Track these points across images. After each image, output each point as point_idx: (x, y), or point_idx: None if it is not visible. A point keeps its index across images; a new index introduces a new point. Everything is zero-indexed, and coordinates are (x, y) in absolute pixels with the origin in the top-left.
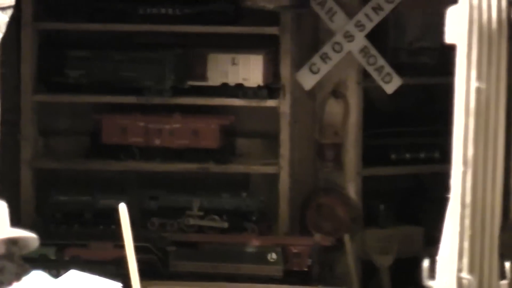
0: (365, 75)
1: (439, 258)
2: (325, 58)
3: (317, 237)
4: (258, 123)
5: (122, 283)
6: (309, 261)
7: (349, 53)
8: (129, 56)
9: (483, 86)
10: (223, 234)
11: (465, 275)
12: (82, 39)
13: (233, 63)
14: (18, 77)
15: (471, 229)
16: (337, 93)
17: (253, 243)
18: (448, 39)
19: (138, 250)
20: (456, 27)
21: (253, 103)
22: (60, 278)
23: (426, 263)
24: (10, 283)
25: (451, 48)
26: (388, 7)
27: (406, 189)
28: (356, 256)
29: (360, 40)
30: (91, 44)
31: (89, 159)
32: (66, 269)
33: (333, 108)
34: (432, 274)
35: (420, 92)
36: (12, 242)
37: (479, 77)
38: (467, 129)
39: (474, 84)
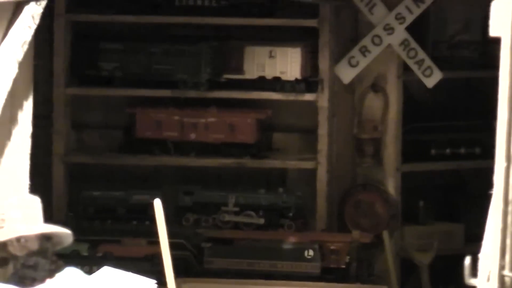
0: (405, 68)
1: (481, 255)
2: (364, 51)
3: (355, 233)
4: (295, 117)
5: (156, 280)
6: (347, 258)
7: (389, 46)
8: (163, 49)
9: None
10: (259, 231)
11: (507, 272)
12: (116, 31)
13: (271, 56)
14: (51, 69)
15: None
16: (377, 87)
17: (290, 240)
18: (493, 32)
19: (172, 246)
20: (501, 20)
21: (291, 97)
22: (93, 274)
23: (467, 260)
24: (43, 280)
25: (493, 42)
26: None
27: (446, 185)
28: (395, 253)
29: (400, 32)
30: (125, 37)
31: (123, 153)
32: (99, 265)
33: (373, 102)
34: (473, 272)
35: (461, 86)
36: (46, 238)
37: None
38: (511, 124)
39: None
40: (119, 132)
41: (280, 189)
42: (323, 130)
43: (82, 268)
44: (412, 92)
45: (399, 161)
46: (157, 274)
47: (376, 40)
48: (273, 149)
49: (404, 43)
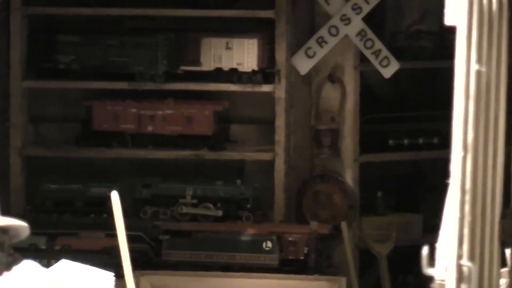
0: (362, 59)
1: (438, 245)
2: (321, 42)
3: (314, 225)
4: (253, 109)
5: (114, 272)
6: (305, 250)
7: (346, 36)
8: (120, 41)
9: (484, 69)
10: (217, 223)
11: (465, 262)
12: (73, 24)
13: (227, 47)
14: (8, 62)
15: (471, 216)
16: (334, 77)
17: (248, 232)
18: (448, 21)
19: (130, 239)
20: (456, 9)
21: (248, 88)
22: (51, 268)
23: (425, 250)
24: (0, 273)
25: (450, 32)
26: None
27: (404, 176)
28: (353, 244)
29: (357, 23)
30: (81, 29)
31: (80, 146)
32: (57, 259)
33: (330, 93)
34: (431, 262)
35: (418, 76)
36: (2, 231)
37: (479, 60)
38: (467, 113)
39: (474, 67)
40: (76, 125)
41: (238, 181)
42: (280, 121)
43: (40, 262)
44: (369, 82)
45: (357, 152)
46: (115, 266)
47: (333, 30)
48: (231, 141)
49: (361, 34)
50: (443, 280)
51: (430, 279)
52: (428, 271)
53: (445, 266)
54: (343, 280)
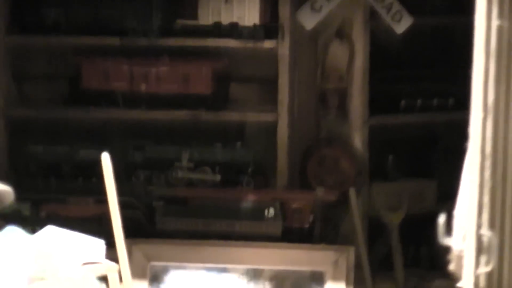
0: (372, 13)
1: (455, 213)
2: None
3: (320, 191)
4: (254, 67)
5: (104, 241)
6: (310, 218)
7: None
8: None
9: (506, 24)
10: (215, 188)
11: (485, 231)
12: None
13: (227, 0)
14: None
15: (491, 182)
16: (342, 33)
17: (249, 198)
18: None
19: (122, 205)
20: None
21: (249, 44)
22: (36, 234)
23: (441, 219)
24: None
25: None
26: None
27: (417, 139)
28: (362, 212)
29: None
30: None
31: (68, 106)
32: (42, 226)
33: (337, 50)
34: (448, 231)
35: (432, 32)
36: None
37: (501, 14)
38: (488, 72)
39: (495, 22)
40: (64, 84)
41: (238, 144)
42: (283, 80)
43: (24, 229)
44: (380, 39)
45: (366, 113)
46: (106, 235)
47: None
48: (230, 101)
49: None
50: (461, 251)
51: (446, 250)
52: (445, 241)
53: (463, 236)
54: (351, 250)
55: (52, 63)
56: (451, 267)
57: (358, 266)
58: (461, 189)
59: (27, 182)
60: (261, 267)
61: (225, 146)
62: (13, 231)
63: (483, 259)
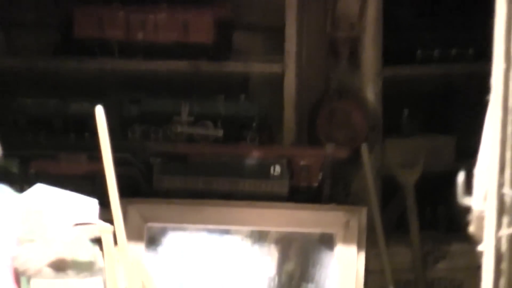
0: None
1: (476, 172)
2: None
3: (329, 147)
4: (259, 14)
5: (98, 200)
6: (319, 176)
7: None
8: None
9: None
10: (217, 144)
11: (507, 190)
12: None
13: None
14: None
15: None
16: None
17: (253, 155)
18: None
19: (116, 162)
20: None
21: None
22: (25, 192)
23: (461, 177)
24: None
25: None
26: None
27: (434, 92)
28: (375, 170)
29: None
30: None
31: (59, 56)
32: (31, 184)
33: None
34: (467, 190)
35: None
36: None
37: None
38: (511, 19)
39: None
40: (54, 32)
41: (242, 97)
42: (291, 29)
43: (11, 188)
44: None
45: (379, 64)
46: (99, 194)
47: None
48: (234, 51)
49: None
50: (482, 211)
51: (465, 210)
52: (464, 201)
53: (484, 195)
54: (363, 211)
55: (42, 9)
56: (471, 229)
57: (370, 228)
58: (482, 145)
59: (15, 137)
60: (266, 228)
61: (228, 99)
62: (0, 190)
63: (505, 220)
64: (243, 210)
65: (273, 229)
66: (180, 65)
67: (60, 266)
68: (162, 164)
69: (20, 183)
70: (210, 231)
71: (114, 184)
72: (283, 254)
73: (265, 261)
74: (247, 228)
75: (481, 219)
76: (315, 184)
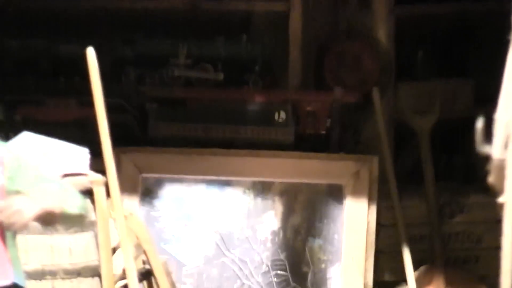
0: None
1: (496, 117)
2: None
3: (338, 92)
4: None
5: (88, 149)
6: (327, 122)
7: None
8: None
9: None
10: (217, 89)
11: None
12: None
13: None
14: None
15: None
16: None
17: (256, 100)
18: None
19: (109, 108)
20: None
21: None
22: (11, 141)
23: (480, 123)
24: None
25: None
26: None
27: (450, 32)
28: (387, 116)
29: None
30: None
31: None
32: (17, 131)
33: None
34: (487, 137)
35: None
36: None
37: None
38: None
39: None
40: None
41: (244, 37)
42: None
43: None
44: None
45: (391, 2)
46: (90, 142)
47: None
48: None
49: None
50: (502, 160)
51: (484, 159)
52: (483, 149)
53: (504, 143)
54: (374, 160)
55: None
56: (490, 179)
57: (382, 179)
58: (503, 89)
59: (0, 81)
60: (270, 179)
61: (228, 40)
62: None
63: None
64: (245, 160)
65: (277, 180)
66: (177, 3)
67: (48, 220)
68: (158, 110)
69: (6, 131)
70: (210, 182)
71: (107, 131)
72: (288, 207)
73: (268, 214)
74: (250, 179)
75: (501, 168)
76: (323, 132)
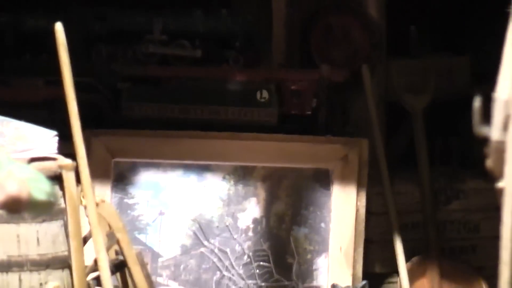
0: None
1: (495, 96)
2: None
3: (325, 69)
4: None
5: (57, 132)
6: (314, 102)
7: None
8: None
9: None
10: (195, 67)
11: None
12: None
13: None
14: None
15: None
16: None
17: (237, 78)
18: None
19: (79, 87)
20: None
21: None
22: None
23: (477, 102)
24: None
25: None
26: None
27: (446, 4)
28: (378, 95)
29: None
30: None
31: None
32: None
33: None
34: (485, 118)
35: None
36: None
37: None
38: None
39: None
40: None
41: (224, 11)
42: None
43: None
44: None
45: None
46: (59, 124)
47: None
48: None
49: None
50: (501, 142)
51: (482, 142)
52: (481, 131)
53: (503, 124)
54: (364, 143)
55: None
56: (489, 163)
57: (372, 163)
58: (502, 66)
59: None
60: (252, 164)
61: (207, 14)
62: None
63: None
64: (225, 143)
65: (259, 164)
66: None
67: (14, 208)
68: (132, 89)
69: None
70: (187, 167)
71: (76, 113)
72: (271, 193)
73: (250, 201)
74: (230, 164)
75: (500, 151)
76: (308, 112)
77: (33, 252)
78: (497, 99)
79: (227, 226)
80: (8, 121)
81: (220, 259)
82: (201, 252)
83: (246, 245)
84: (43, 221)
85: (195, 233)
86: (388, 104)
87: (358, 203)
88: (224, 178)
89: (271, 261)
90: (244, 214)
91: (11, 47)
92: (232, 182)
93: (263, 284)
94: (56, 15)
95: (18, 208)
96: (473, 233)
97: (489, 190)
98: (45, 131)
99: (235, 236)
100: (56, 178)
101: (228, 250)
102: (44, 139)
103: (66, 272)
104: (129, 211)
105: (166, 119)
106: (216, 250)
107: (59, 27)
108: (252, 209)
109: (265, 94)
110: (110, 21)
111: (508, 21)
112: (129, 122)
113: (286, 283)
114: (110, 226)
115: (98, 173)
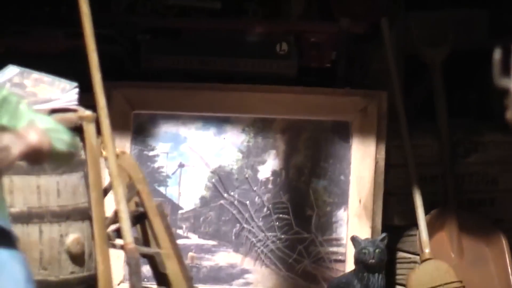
0: None
1: None
2: None
3: (344, 21)
4: None
5: (77, 83)
6: (333, 55)
7: None
8: None
9: None
10: (214, 18)
11: None
12: None
13: None
14: None
15: None
16: None
17: (256, 30)
18: None
19: (99, 39)
20: None
21: None
22: None
23: (497, 54)
24: None
25: None
26: None
27: None
28: (397, 48)
29: None
30: None
31: None
32: (1, 66)
33: None
34: (505, 70)
35: None
36: None
37: None
38: None
39: None
40: None
41: None
42: None
43: None
44: None
45: None
46: (79, 75)
47: None
48: None
49: None
50: None
51: (501, 93)
52: (501, 82)
53: None
54: (383, 95)
55: None
56: (509, 115)
57: (391, 115)
58: None
59: None
60: (271, 116)
61: None
62: None
63: None
64: (244, 95)
65: (279, 116)
66: None
67: (35, 159)
68: (151, 41)
69: None
70: (207, 119)
71: (97, 64)
72: (290, 145)
73: (270, 154)
74: (249, 116)
75: None
76: (328, 65)
77: (53, 203)
78: None
79: (246, 178)
80: (28, 72)
81: (239, 211)
82: (221, 204)
83: (266, 197)
84: (63, 172)
85: (214, 185)
86: (407, 57)
87: (377, 156)
88: (243, 130)
89: (291, 213)
90: (263, 166)
91: None
92: (251, 134)
93: (282, 236)
94: None
95: (39, 159)
96: (491, 185)
97: (508, 143)
98: (66, 82)
99: (255, 188)
100: (77, 130)
101: (247, 202)
102: (65, 90)
103: (86, 223)
104: (148, 163)
105: (185, 71)
106: (235, 202)
107: None
108: (271, 161)
109: (285, 46)
110: None
111: None
112: (148, 74)
113: (306, 235)
114: (130, 178)
115: (118, 125)
